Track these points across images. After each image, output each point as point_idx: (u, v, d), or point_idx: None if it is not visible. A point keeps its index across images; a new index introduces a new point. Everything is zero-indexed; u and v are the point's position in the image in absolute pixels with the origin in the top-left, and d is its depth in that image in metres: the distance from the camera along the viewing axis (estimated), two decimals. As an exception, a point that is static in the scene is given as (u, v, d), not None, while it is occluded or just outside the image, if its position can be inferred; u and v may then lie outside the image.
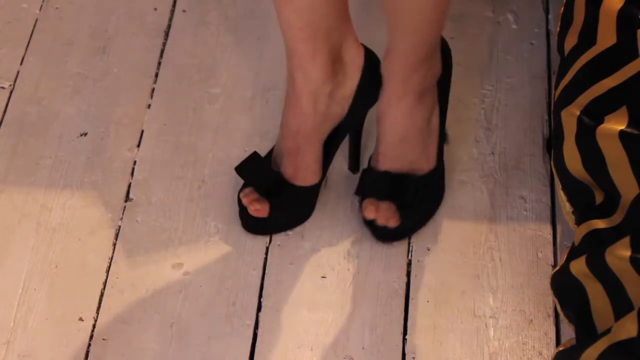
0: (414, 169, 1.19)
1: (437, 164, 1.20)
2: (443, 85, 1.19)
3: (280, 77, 1.35)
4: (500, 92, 1.35)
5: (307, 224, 1.22)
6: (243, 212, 1.20)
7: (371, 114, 1.19)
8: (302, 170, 1.18)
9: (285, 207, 1.19)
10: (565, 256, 1.07)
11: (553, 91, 1.20)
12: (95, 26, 1.42)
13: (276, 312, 1.15)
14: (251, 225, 1.20)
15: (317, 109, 1.15)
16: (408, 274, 1.19)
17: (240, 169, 1.20)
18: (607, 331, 0.94)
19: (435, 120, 1.19)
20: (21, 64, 1.38)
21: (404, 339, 1.14)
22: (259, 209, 1.18)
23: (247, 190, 1.19)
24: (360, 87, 1.15)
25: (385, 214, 1.17)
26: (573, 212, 1.11)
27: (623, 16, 1.07)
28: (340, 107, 1.16)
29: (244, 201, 1.19)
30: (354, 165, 1.25)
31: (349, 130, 1.20)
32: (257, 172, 1.19)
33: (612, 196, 1.04)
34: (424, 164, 1.19)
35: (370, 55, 1.16)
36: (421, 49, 1.11)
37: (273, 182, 1.18)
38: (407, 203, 1.18)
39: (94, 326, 1.14)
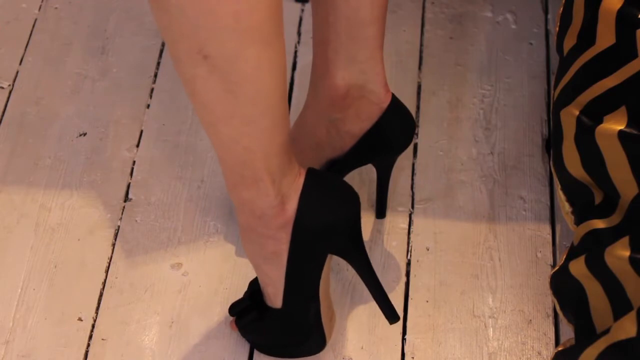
0: (262, 289, 1.06)
1: (285, 309, 1.04)
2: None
3: (279, 77, 1.35)
4: (499, 92, 1.35)
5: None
6: None
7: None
8: None
9: None
10: (565, 256, 1.07)
11: (552, 91, 1.20)
12: (94, 26, 1.42)
13: (275, 312, 1.15)
14: None
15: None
16: (407, 274, 1.19)
17: None
18: (606, 331, 0.94)
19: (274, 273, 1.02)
20: (20, 63, 1.38)
21: (403, 339, 1.14)
22: None
23: None
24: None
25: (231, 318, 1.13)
26: (572, 212, 1.11)
27: (622, 16, 1.07)
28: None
29: None
30: (379, 211, 1.22)
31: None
32: None
33: (611, 196, 1.04)
34: (268, 297, 1.05)
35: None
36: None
37: None
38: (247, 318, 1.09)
39: (93, 326, 1.14)
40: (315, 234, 0.98)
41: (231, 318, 1.13)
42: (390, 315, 1.07)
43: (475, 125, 1.32)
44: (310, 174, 0.98)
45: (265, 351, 1.11)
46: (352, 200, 1.00)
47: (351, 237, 1.01)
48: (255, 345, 1.12)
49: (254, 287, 1.09)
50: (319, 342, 1.07)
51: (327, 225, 0.99)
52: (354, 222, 1.01)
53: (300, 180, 0.97)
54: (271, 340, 1.09)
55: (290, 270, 1.00)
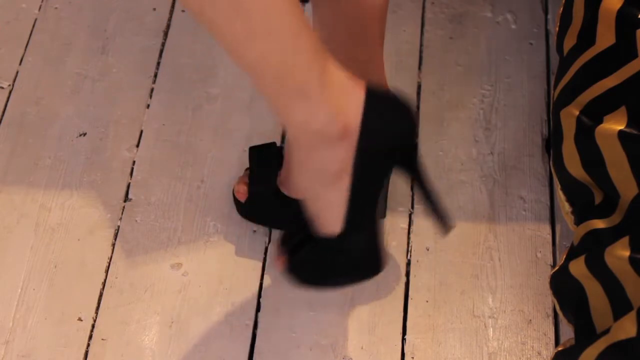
0: (315, 219, 1.03)
1: (345, 233, 1.01)
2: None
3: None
4: (499, 92, 1.35)
5: (306, 224, 1.22)
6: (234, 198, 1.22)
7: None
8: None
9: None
10: (564, 256, 1.07)
11: (552, 91, 1.20)
12: (94, 26, 1.42)
13: (275, 312, 1.15)
14: (239, 209, 1.21)
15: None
16: (407, 274, 1.19)
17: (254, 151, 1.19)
18: (606, 331, 0.94)
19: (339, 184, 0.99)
20: (20, 64, 1.38)
21: (403, 339, 1.14)
22: (239, 191, 1.19)
23: (245, 173, 1.20)
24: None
25: (277, 253, 1.10)
26: (572, 212, 1.11)
27: (622, 16, 1.07)
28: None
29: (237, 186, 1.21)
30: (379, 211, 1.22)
31: None
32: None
33: (611, 196, 1.04)
34: (324, 225, 1.02)
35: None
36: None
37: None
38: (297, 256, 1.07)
39: (93, 326, 1.14)
40: (380, 147, 0.97)
41: (277, 259, 1.08)
42: (443, 226, 1.05)
43: (475, 125, 1.32)
44: (370, 87, 0.96)
45: (322, 285, 1.09)
46: (410, 111, 0.99)
47: (412, 148, 1.01)
48: (308, 281, 1.08)
49: (299, 225, 1.06)
50: (380, 262, 1.05)
51: (392, 139, 0.97)
52: (414, 133, 1.00)
53: (359, 94, 0.95)
54: (330, 271, 1.06)
55: (354, 188, 0.98)
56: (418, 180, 1.04)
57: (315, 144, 0.96)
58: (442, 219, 1.06)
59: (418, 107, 1.34)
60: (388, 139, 0.98)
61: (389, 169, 1.00)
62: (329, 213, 1.01)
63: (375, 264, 1.05)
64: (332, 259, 1.04)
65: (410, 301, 1.17)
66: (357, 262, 1.05)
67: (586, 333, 1.01)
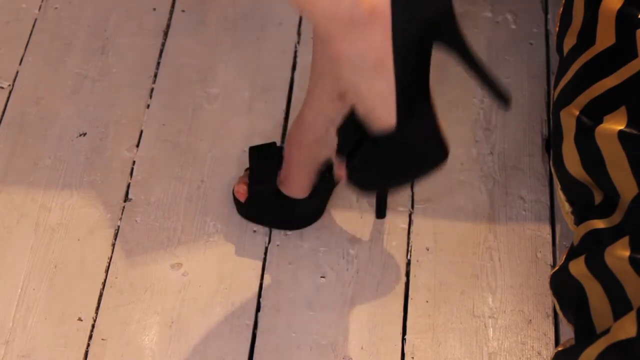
0: (367, 117, 0.96)
1: (402, 122, 0.95)
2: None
3: (278, 78, 1.35)
4: (499, 92, 1.35)
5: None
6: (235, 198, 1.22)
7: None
8: (291, 181, 1.17)
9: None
10: (564, 256, 1.07)
11: (552, 91, 1.20)
12: (94, 26, 1.42)
13: (275, 312, 1.15)
14: (239, 209, 1.22)
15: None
16: (407, 274, 1.19)
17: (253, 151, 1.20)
18: (606, 331, 0.94)
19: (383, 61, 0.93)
20: (20, 64, 1.38)
21: (403, 339, 1.14)
22: (239, 191, 1.19)
23: (245, 174, 1.21)
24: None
25: (337, 163, 1.03)
26: (572, 212, 1.11)
27: (622, 16, 1.07)
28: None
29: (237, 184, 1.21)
30: (379, 211, 1.20)
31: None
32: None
33: (611, 196, 1.04)
34: (377, 120, 0.96)
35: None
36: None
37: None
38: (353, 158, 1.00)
39: (93, 326, 1.14)
40: (417, 25, 0.91)
41: (339, 168, 1.02)
42: (499, 99, 0.97)
43: (475, 125, 1.32)
44: None
45: (387, 185, 1.04)
46: None
47: (451, 21, 0.94)
48: (372, 184, 1.03)
49: (352, 131, 1.00)
50: (443, 148, 0.99)
51: (427, 14, 0.91)
52: (451, 5, 0.93)
53: None
54: (392, 169, 1.00)
55: (399, 73, 0.93)
56: (463, 54, 0.97)
57: (346, 33, 0.90)
58: (496, 91, 0.97)
59: (418, 107, 1.34)
60: (423, 15, 0.91)
61: (430, 47, 0.94)
62: (380, 106, 0.95)
63: (438, 151, 0.99)
64: (393, 154, 0.98)
65: (410, 301, 1.17)
66: (420, 153, 0.99)
67: (586, 333, 1.01)
